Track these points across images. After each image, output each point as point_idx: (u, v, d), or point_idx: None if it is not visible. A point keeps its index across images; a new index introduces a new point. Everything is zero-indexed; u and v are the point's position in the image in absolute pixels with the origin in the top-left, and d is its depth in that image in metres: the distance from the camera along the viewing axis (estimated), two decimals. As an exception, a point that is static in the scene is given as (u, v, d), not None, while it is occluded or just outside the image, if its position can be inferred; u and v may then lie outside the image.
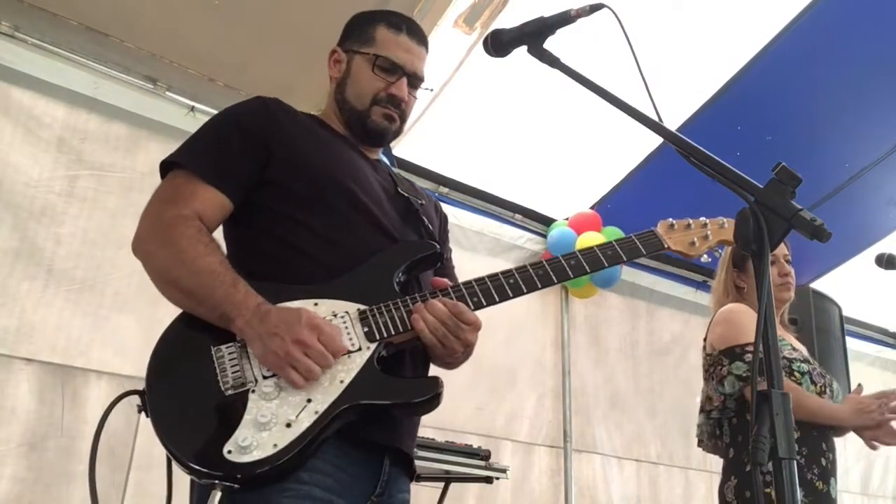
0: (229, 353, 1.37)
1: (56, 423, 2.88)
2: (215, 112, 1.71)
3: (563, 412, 4.61)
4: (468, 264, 4.18)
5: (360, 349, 1.41)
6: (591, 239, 4.37)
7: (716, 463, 2.77)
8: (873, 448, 2.68)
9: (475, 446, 3.19)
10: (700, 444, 2.84)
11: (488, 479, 3.21)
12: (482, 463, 3.13)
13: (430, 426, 3.84)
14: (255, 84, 3.30)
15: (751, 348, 2.61)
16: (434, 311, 1.44)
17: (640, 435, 4.95)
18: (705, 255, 1.68)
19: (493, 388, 4.32)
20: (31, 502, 2.81)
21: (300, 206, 1.54)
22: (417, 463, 2.90)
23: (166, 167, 1.57)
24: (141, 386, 1.37)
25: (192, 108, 3.43)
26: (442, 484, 3.29)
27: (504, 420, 4.36)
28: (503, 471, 3.21)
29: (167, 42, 3.32)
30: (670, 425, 4.99)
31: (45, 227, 3.09)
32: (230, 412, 1.31)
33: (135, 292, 3.14)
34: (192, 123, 3.30)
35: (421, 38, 1.73)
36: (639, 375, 5.07)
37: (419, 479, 3.22)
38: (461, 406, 4.12)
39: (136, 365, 2.78)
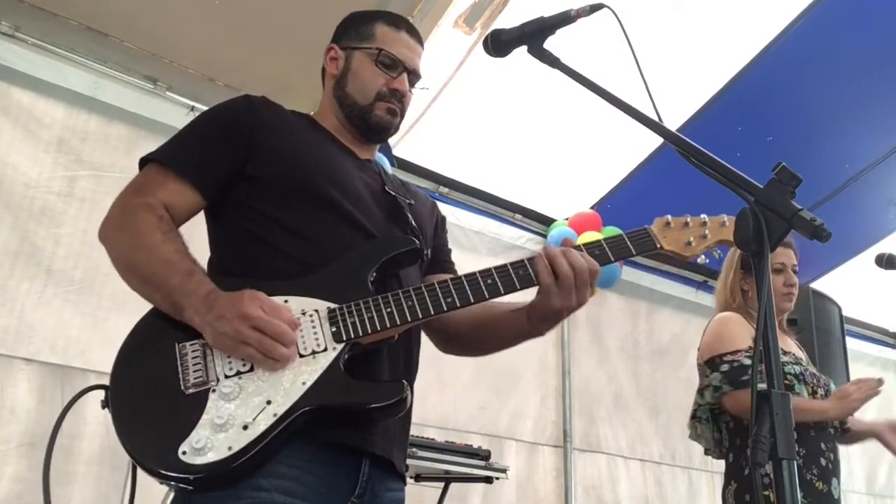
0: (193, 351, 1.34)
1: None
2: (215, 112, 1.71)
3: (562, 412, 4.62)
4: (469, 264, 4.19)
5: (325, 349, 1.35)
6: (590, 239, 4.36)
7: (717, 462, 2.77)
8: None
9: (475, 446, 3.19)
10: (707, 451, 2.82)
11: (488, 479, 3.21)
12: (482, 463, 3.13)
13: (433, 426, 3.84)
14: (255, 84, 3.29)
15: (729, 358, 2.64)
16: (574, 259, 1.44)
17: (642, 435, 4.94)
18: (702, 256, 1.60)
19: (497, 387, 4.31)
20: (31, 502, 2.80)
21: (275, 202, 1.51)
22: (417, 463, 2.92)
23: (143, 164, 1.56)
24: None
25: (192, 108, 3.43)
26: (442, 484, 3.29)
27: (508, 420, 4.35)
28: (503, 471, 3.21)
29: (167, 42, 3.32)
30: (672, 425, 4.98)
31: (45, 228, 3.09)
32: (189, 412, 1.28)
33: (134, 292, 3.13)
34: (191, 124, 3.29)
35: (418, 37, 1.74)
36: (640, 375, 5.06)
37: (419, 479, 3.23)
38: (464, 405, 4.12)
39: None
